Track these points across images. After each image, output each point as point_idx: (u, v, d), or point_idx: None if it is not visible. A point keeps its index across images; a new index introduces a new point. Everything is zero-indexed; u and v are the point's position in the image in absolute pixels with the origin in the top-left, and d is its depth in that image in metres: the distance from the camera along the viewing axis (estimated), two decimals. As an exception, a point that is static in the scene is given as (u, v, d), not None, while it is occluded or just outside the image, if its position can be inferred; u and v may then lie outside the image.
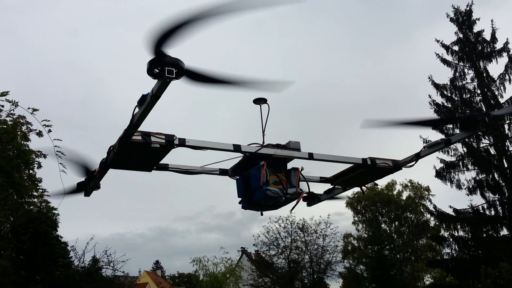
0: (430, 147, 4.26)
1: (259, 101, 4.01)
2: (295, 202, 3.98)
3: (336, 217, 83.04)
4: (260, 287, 33.08)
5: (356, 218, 43.01)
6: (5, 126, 7.86)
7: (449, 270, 26.48)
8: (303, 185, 4.09)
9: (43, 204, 7.58)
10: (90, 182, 3.87)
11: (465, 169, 26.79)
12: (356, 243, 43.04)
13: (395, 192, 42.21)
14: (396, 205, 41.00)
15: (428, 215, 32.93)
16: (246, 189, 3.94)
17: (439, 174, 27.08)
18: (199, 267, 25.34)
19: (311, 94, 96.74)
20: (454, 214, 26.22)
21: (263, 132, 3.96)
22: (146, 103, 2.94)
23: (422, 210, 39.95)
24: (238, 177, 4.08)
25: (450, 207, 26.30)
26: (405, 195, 42.56)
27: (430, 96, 27.81)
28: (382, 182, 43.09)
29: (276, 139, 3.96)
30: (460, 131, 4.20)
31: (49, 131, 7.42)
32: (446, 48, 28.13)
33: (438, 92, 27.89)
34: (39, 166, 8.71)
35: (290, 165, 4.08)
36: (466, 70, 27.77)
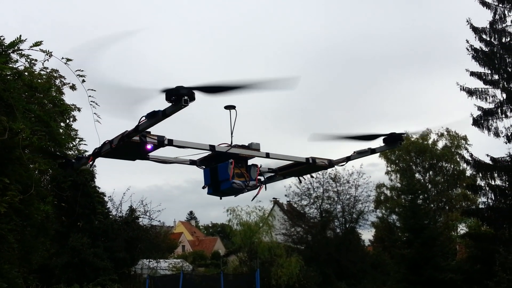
0: (359, 153, 5.35)
1: (229, 107, 4.79)
2: (255, 192, 4.93)
3: (370, 168, 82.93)
4: (292, 236, 33.72)
5: (389, 168, 42.69)
6: (39, 79, 7.90)
7: (484, 219, 26.12)
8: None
9: (81, 152, 7.68)
10: (73, 165, 4.85)
11: (503, 116, 25.84)
12: (389, 193, 42.96)
13: (430, 142, 41.38)
14: (431, 155, 40.30)
15: (464, 165, 32.27)
16: (213, 179, 4.75)
17: (477, 122, 26.20)
18: (233, 216, 25.90)
19: (352, 44, 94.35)
20: (491, 163, 25.58)
21: (232, 134, 4.75)
22: (156, 118, 3.74)
23: (458, 159, 39.13)
24: (205, 168, 4.91)
25: (487, 155, 25.62)
26: (440, 144, 41.73)
27: (467, 41, 26.49)
28: (416, 133, 42.42)
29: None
30: (383, 144, 5.23)
31: (83, 81, 7.43)
32: (486, -11, 26.52)
33: (477, 37, 26.53)
34: (74, 119, 8.76)
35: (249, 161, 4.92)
36: (506, 12, 26.21)
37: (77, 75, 7.66)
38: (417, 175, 40.22)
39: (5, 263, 6.61)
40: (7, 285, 6.43)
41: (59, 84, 8.66)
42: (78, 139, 7.93)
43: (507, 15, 26.14)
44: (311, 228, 33.44)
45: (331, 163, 5.41)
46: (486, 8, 26.50)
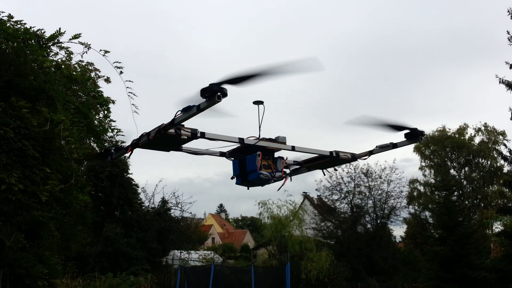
0: (381, 148, 5.51)
1: (257, 103, 5.00)
2: (281, 183, 5.17)
3: (403, 163, 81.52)
4: (322, 231, 33.56)
5: (423, 164, 41.89)
6: (75, 72, 8.11)
7: (521, 218, 25.38)
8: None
9: (119, 143, 7.87)
10: (112, 155, 5.14)
11: (545, 109, 24.98)
12: (422, 189, 42.15)
13: (467, 137, 40.32)
14: (468, 150, 39.26)
15: (502, 161, 31.34)
16: (242, 170, 5.01)
17: (516, 117, 25.42)
18: (264, 210, 25.99)
19: (390, 39, 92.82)
20: (530, 159, 24.79)
21: (260, 127, 4.97)
22: (191, 112, 4.02)
23: (495, 155, 37.99)
24: (234, 160, 5.18)
25: (525, 151, 24.83)
26: (477, 139, 40.59)
27: (508, 33, 25.65)
28: (453, 126, 41.39)
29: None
30: (405, 138, 5.36)
31: (121, 72, 7.60)
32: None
33: (518, 27, 25.63)
34: (109, 111, 8.97)
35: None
36: (551, 2, 25.22)
37: (115, 66, 7.85)
38: (452, 171, 39.29)
39: (46, 250, 6.85)
40: (47, 271, 6.67)
41: (94, 77, 8.90)
42: (116, 130, 8.15)
43: (550, 5, 25.16)
44: (342, 223, 33.19)
45: (354, 157, 5.58)
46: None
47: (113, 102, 9.05)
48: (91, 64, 8.72)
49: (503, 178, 33.76)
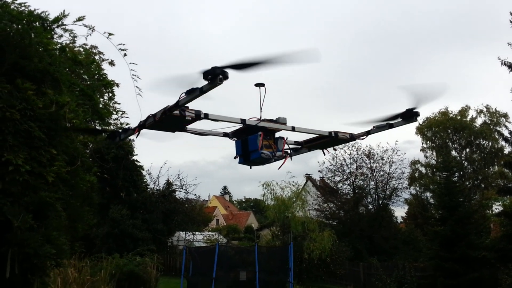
0: (378, 128, 5.64)
1: (259, 85, 5.13)
2: (281, 162, 5.39)
3: (405, 145, 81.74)
4: (325, 212, 33.84)
5: (425, 145, 41.99)
6: (79, 55, 8.16)
7: (521, 198, 25.54)
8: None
9: (123, 125, 7.95)
10: (120, 136, 5.39)
11: (547, 91, 24.87)
12: (423, 170, 42.32)
13: (468, 118, 40.29)
14: (469, 132, 39.28)
15: (503, 142, 31.38)
16: (244, 150, 5.20)
17: (518, 98, 25.36)
18: (268, 191, 26.17)
19: (393, 19, 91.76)
20: (530, 140, 24.80)
21: (261, 109, 5.13)
22: (195, 94, 4.17)
23: (496, 136, 38.02)
24: (236, 140, 5.36)
25: (526, 132, 24.82)
26: (479, 121, 40.58)
27: (511, 14, 25.43)
28: (455, 108, 41.42)
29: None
30: (400, 119, 5.48)
31: (125, 55, 7.64)
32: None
33: (522, 8, 25.42)
34: (113, 94, 9.04)
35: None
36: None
37: (119, 49, 7.88)
38: (453, 152, 39.38)
39: (53, 230, 6.98)
40: (55, 251, 6.80)
41: (98, 60, 8.96)
42: (120, 112, 8.23)
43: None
44: (344, 204, 33.45)
45: (352, 137, 5.77)
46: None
47: (117, 85, 9.12)
48: (95, 47, 8.78)
49: (503, 159, 33.83)
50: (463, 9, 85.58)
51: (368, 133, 5.74)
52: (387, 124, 5.60)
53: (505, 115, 39.41)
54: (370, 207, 34.41)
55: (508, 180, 35.52)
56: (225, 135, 5.43)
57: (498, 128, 38.78)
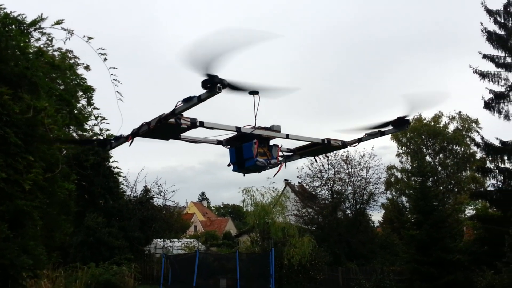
0: (370, 135, 5.73)
1: (253, 93, 5.03)
2: (276, 169, 5.41)
3: (381, 150, 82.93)
4: (304, 217, 33.92)
5: (400, 151, 42.67)
6: (56, 57, 7.95)
7: (492, 202, 26.20)
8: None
9: (103, 131, 7.78)
10: (112, 144, 5.20)
11: (515, 99, 25.60)
12: (399, 175, 42.98)
13: (441, 124, 41.17)
14: (443, 137, 40.17)
15: (475, 147, 32.17)
16: (238, 158, 5.18)
17: (488, 105, 26.02)
18: (247, 197, 26.08)
19: (364, 27, 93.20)
20: (500, 146, 25.48)
21: (255, 116, 5.13)
22: (192, 103, 4.20)
23: (468, 142, 38.98)
24: (230, 147, 5.35)
25: (497, 139, 25.48)
26: (452, 127, 41.54)
27: (482, 24, 26.17)
28: (429, 115, 42.32)
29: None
30: (392, 127, 5.61)
31: (105, 59, 7.50)
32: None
33: (491, 19, 26.14)
34: (91, 99, 8.82)
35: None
36: (521, -6, 25.75)
37: (99, 53, 7.71)
38: (427, 157, 40.14)
39: (30, 240, 6.78)
40: (32, 262, 6.60)
41: (74, 64, 8.73)
42: (100, 118, 8.05)
43: (521, -3, 25.72)
44: (322, 209, 33.61)
45: (345, 144, 5.85)
46: (502, -10, 26.07)
47: (93, 89, 8.90)
48: (70, 51, 8.54)
49: (475, 164, 34.68)
50: (437, 18, 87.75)
51: (360, 140, 5.84)
52: (378, 131, 5.71)
53: (476, 121, 40.50)
54: (348, 212, 34.68)
55: (479, 185, 36.44)
56: (219, 142, 5.44)
57: (469, 134, 39.78)
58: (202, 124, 4.66)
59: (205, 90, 4.06)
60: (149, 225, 24.46)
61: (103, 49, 7.50)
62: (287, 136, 5.35)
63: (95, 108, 8.02)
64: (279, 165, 5.38)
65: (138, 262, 21.70)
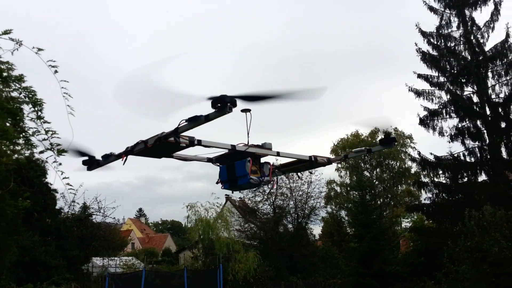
0: (356, 152, 5.98)
1: (245, 110, 5.10)
2: (270, 186, 5.78)
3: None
4: (246, 232, 33.95)
5: (339, 165, 43.99)
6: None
7: (428, 215, 27.41)
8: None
9: (54, 145, 7.35)
10: (99, 163, 5.01)
11: (447, 116, 27.11)
12: (338, 189, 44.29)
13: (378, 140, 43.07)
14: (379, 153, 41.98)
15: (409, 162, 33.84)
16: (230, 175, 5.17)
17: (423, 122, 27.36)
18: (192, 213, 25.79)
19: (303, 44, 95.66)
20: (435, 160, 26.88)
21: (248, 134, 5.16)
22: (197, 122, 4.14)
23: (403, 157, 41.00)
24: (221, 165, 5.35)
25: (431, 154, 26.84)
26: (387, 143, 43.56)
27: (416, 44, 27.78)
28: (365, 131, 44.20)
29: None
30: (379, 144, 5.96)
31: (56, 71, 7.17)
32: (433, -6, 27.86)
33: (425, 40, 27.84)
34: (41, 112, 8.33)
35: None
36: (452, 18, 27.66)
37: (49, 65, 7.38)
38: (365, 172, 41.73)
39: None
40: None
41: (6, 76, 8.26)
42: (50, 132, 7.64)
43: (452, 20, 27.65)
44: (264, 224, 33.83)
45: (330, 161, 6.01)
46: (434, 14, 27.91)
47: (43, 103, 8.46)
48: (6, 63, 8.06)
49: (411, 178, 36.47)
50: (373, 38, 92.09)
51: (345, 157, 6.18)
52: (365, 149, 6.01)
53: (410, 137, 42.77)
54: (290, 226, 35.15)
55: (415, 198, 38.34)
56: (209, 160, 5.42)
57: (404, 149, 41.87)
58: (200, 143, 4.61)
59: (213, 110, 3.98)
60: (88, 243, 23.42)
61: (54, 61, 7.18)
62: (278, 154, 5.42)
63: (45, 122, 7.60)
64: (272, 183, 5.48)
65: (77, 281, 20.68)
